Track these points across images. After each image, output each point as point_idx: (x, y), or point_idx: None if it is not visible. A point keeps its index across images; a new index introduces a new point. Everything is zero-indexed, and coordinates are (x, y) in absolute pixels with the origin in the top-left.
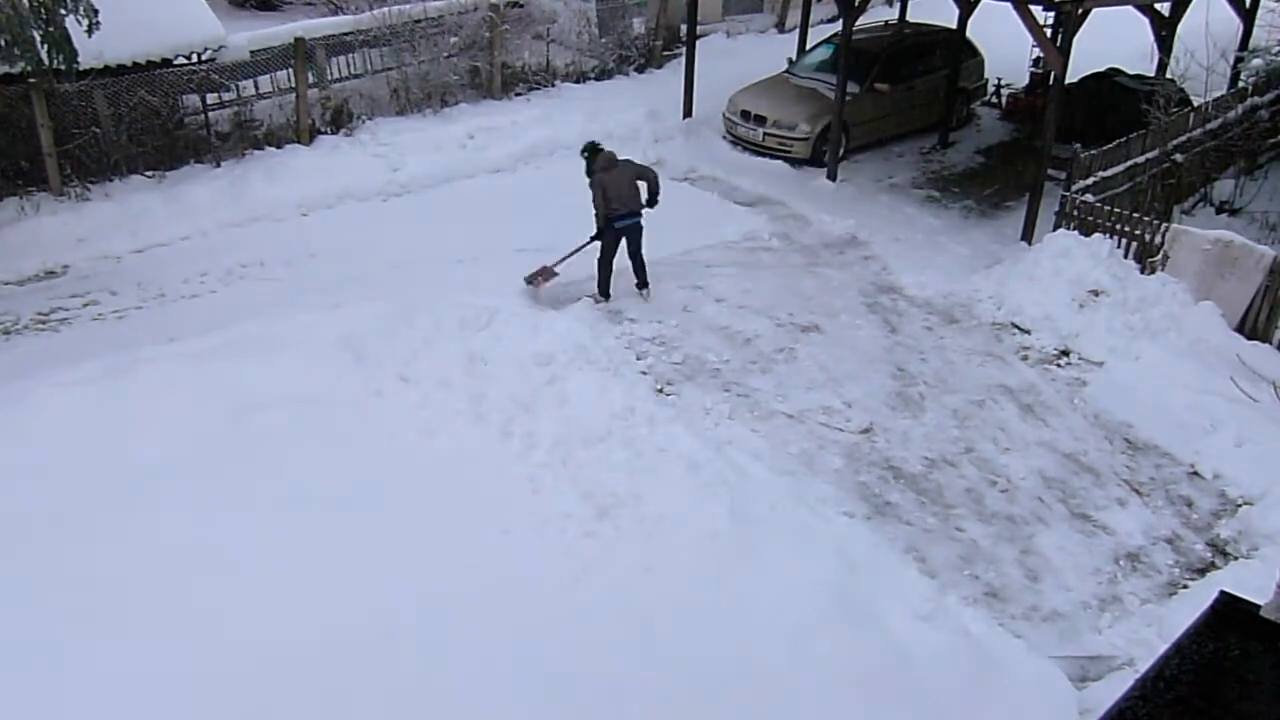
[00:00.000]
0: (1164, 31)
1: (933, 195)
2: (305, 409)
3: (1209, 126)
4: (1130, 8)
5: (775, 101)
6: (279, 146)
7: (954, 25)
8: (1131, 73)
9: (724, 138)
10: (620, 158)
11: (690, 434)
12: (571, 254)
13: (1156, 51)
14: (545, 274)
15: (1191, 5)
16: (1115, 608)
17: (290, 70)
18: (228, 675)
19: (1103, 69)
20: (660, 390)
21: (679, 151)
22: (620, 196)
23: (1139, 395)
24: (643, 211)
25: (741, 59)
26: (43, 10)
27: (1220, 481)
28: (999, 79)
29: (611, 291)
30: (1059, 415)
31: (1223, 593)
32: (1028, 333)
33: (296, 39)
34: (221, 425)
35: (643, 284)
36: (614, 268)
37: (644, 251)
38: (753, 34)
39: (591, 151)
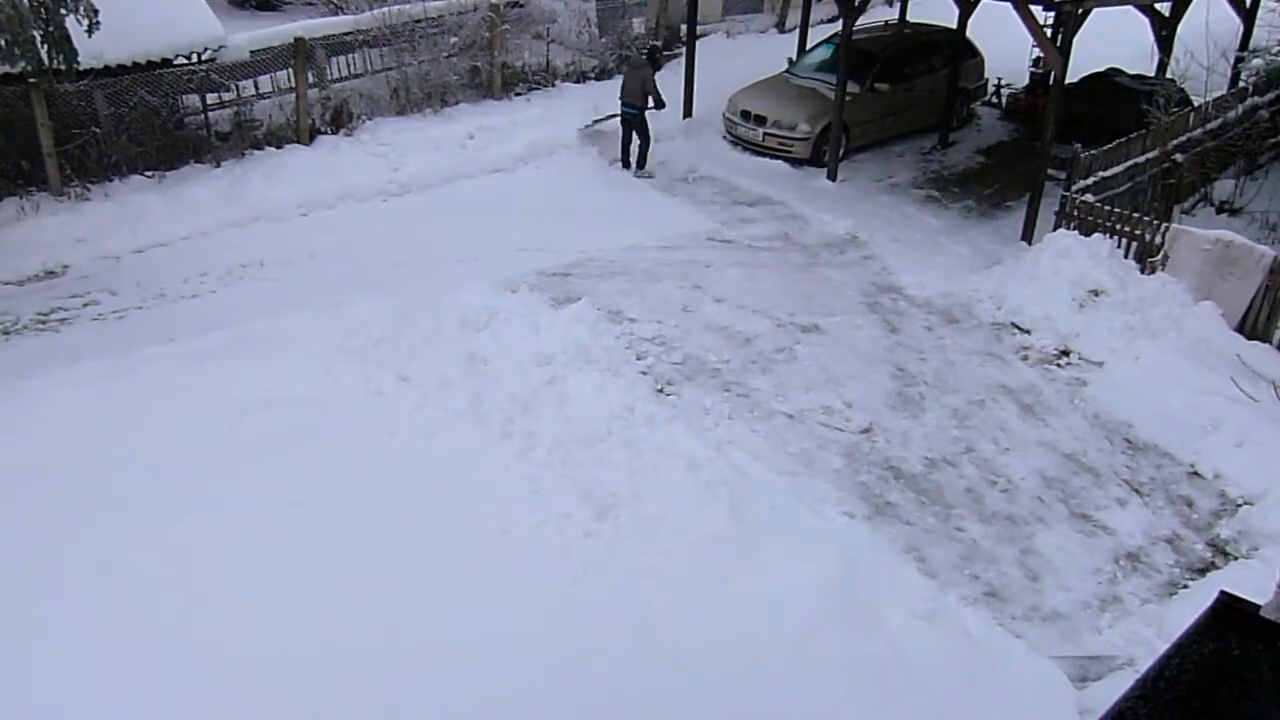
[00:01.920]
0: (1164, 31)
1: (933, 195)
2: (305, 409)
3: (1209, 126)
4: (1130, 8)
5: (775, 101)
6: (279, 146)
7: (954, 25)
8: (1131, 73)
9: (724, 138)
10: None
11: (690, 434)
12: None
13: (1156, 51)
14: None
15: (1191, 5)
16: (1115, 608)
17: (290, 70)
18: (227, 674)
19: (1103, 69)
20: (660, 390)
21: (679, 151)
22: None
23: (1139, 395)
24: (638, 105)
25: (741, 59)
26: (43, 10)
27: (1220, 481)
28: (999, 79)
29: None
30: (1059, 415)
31: (1223, 593)
32: (1028, 333)
33: (296, 39)
34: (221, 425)
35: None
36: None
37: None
38: (753, 34)
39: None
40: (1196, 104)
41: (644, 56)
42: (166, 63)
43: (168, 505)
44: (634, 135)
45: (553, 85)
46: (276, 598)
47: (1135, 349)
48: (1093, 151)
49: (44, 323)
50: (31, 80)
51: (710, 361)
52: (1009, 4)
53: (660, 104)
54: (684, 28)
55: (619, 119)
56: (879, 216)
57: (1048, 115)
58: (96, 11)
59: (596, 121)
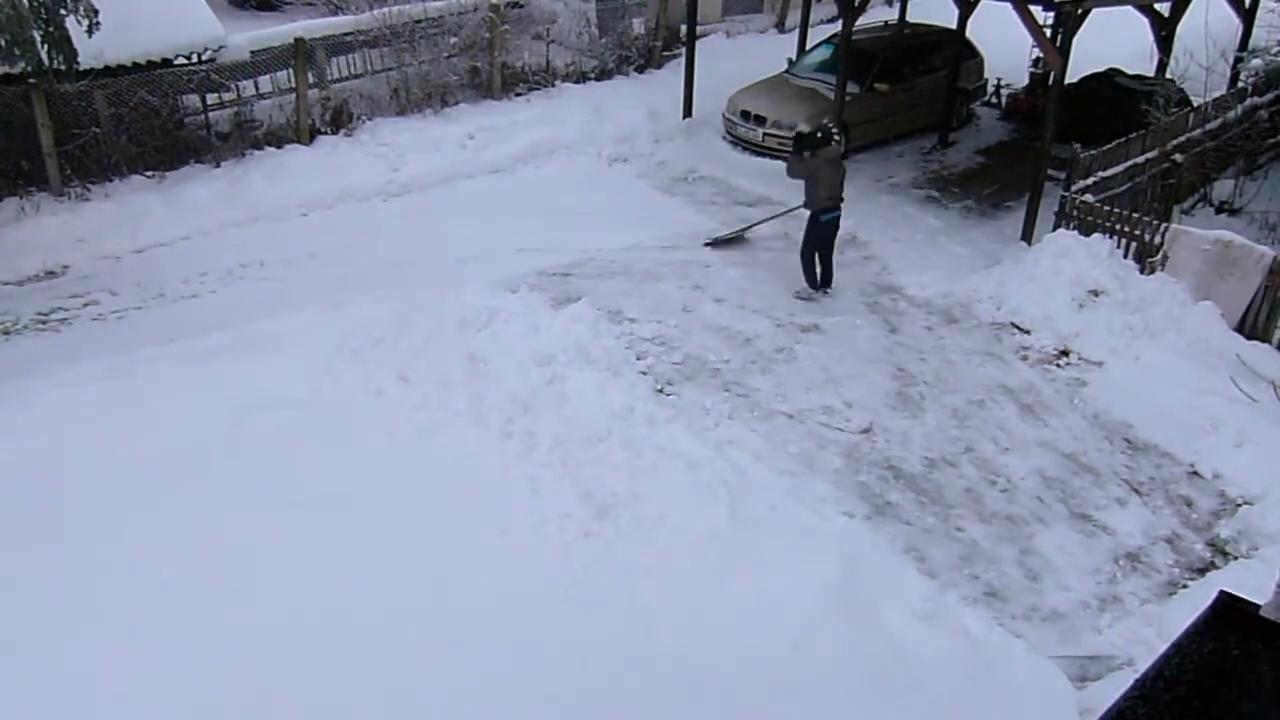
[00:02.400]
0: (1164, 31)
1: (933, 195)
2: (305, 409)
3: (1209, 126)
4: (1130, 8)
5: (775, 101)
6: (279, 146)
7: (954, 25)
8: (1131, 73)
9: (724, 138)
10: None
11: (690, 434)
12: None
13: (1156, 51)
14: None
15: (1191, 5)
16: (1115, 608)
17: (290, 70)
18: (228, 675)
19: (1103, 69)
20: (660, 390)
21: (679, 151)
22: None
23: (1139, 395)
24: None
25: (741, 59)
26: (43, 10)
27: (1220, 481)
28: (999, 79)
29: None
30: (1059, 415)
31: (1223, 593)
32: (1027, 333)
33: (296, 39)
34: (221, 425)
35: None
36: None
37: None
38: (753, 34)
39: (825, 135)
40: (1196, 104)
41: (834, 135)
42: (166, 63)
43: (167, 505)
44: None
45: (553, 85)
46: (276, 598)
47: (1135, 349)
48: (1092, 151)
49: (44, 323)
50: (31, 80)
51: (710, 361)
52: (1009, 4)
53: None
54: (684, 28)
55: (819, 225)
56: (879, 216)
57: (1048, 115)
58: (96, 11)
59: (741, 232)
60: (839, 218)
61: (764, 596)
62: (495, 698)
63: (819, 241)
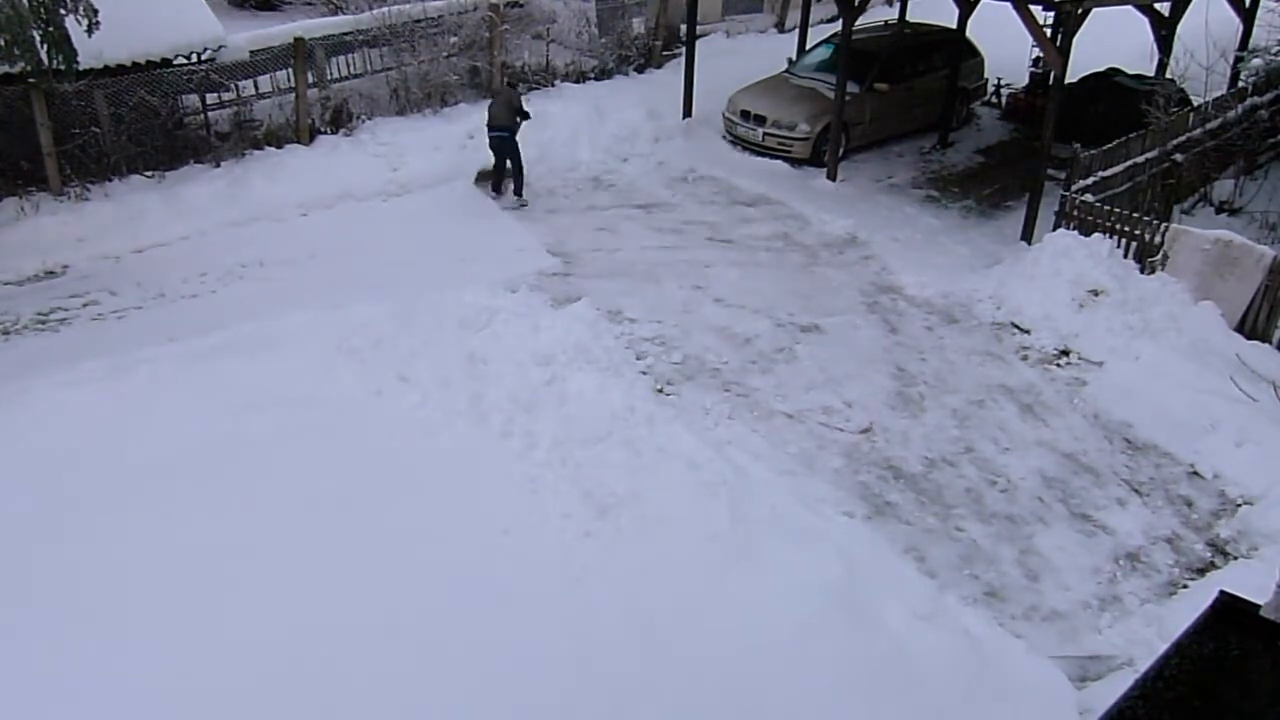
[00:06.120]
0: (1164, 31)
1: (933, 195)
2: (305, 409)
3: (1209, 126)
4: (1130, 8)
5: (775, 101)
6: (279, 146)
7: (954, 25)
8: (1131, 73)
9: (724, 138)
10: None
11: (690, 434)
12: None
13: (1156, 51)
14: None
15: (1191, 5)
16: (1115, 608)
17: (290, 70)
18: (227, 675)
19: (1103, 69)
20: (660, 390)
21: (679, 151)
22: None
23: (1139, 395)
24: (508, 128)
25: (741, 59)
26: (43, 10)
27: (1220, 481)
28: (999, 79)
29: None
30: (1059, 415)
31: (1223, 593)
32: (1027, 333)
33: (296, 39)
34: (221, 425)
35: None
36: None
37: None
38: (753, 34)
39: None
40: (1196, 104)
41: (507, 82)
42: (166, 63)
43: (167, 505)
44: (507, 162)
45: (552, 85)
46: (276, 598)
47: (1135, 349)
48: (1093, 151)
49: (44, 323)
50: (31, 80)
51: (710, 361)
52: (1009, 4)
53: (526, 115)
54: (684, 27)
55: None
56: (879, 216)
57: (1048, 115)
58: (96, 11)
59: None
60: (496, 137)
61: (764, 596)
62: (495, 698)
63: (493, 154)
